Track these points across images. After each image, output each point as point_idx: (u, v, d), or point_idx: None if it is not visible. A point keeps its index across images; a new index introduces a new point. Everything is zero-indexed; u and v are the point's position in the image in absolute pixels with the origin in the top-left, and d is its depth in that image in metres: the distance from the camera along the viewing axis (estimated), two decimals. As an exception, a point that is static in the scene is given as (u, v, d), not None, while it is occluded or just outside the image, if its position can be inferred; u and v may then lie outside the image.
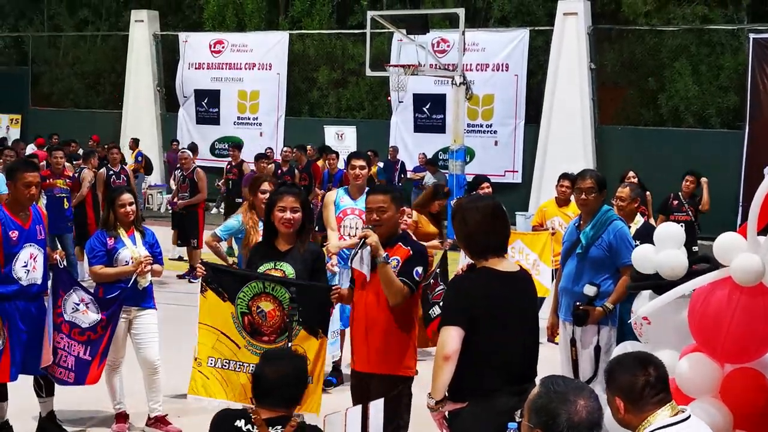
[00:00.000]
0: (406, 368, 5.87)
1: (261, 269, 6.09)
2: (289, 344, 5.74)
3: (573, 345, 6.98)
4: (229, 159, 17.21)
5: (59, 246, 12.26)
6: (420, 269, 5.77)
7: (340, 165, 18.62)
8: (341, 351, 8.81)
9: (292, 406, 4.30)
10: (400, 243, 5.87)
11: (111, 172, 14.90)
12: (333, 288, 5.97)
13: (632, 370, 3.84)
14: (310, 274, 6.10)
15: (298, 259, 6.09)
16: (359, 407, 4.00)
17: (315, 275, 6.15)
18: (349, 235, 8.16)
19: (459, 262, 6.90)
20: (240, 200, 16.01)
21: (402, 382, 5.83)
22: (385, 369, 5.81)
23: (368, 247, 5.71)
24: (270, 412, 4.23)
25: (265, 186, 7.94)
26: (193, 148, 22.47)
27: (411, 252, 5.83)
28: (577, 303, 6.89)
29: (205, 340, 6.08)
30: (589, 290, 6.83)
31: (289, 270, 6.06)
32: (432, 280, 9.18)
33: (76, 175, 14.52)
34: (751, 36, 20.14)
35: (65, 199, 13.23)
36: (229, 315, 6.01)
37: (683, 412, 3.81)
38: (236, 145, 17.56)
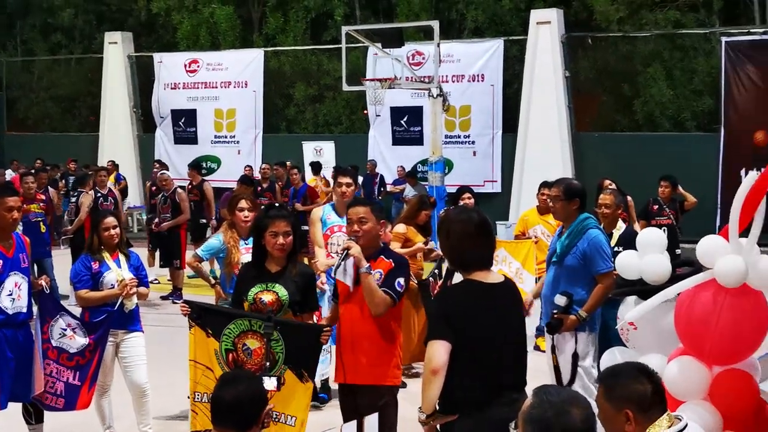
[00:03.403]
0: (392, 378, 5.99)
1: (253, 291, 6.09)
2: (276, 390, 5.67)
3: (553, 352, 7.03)
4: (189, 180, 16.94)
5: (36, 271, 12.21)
6: (402, 280, 5.90)
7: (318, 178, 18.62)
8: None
9: (246, 428, 4.23)
10: (382, 256, 5.99)
11: (99, 195, 14.84)
12: (324, 330, 5.94)
13: (637, 378, 3.77)
14: (302, 295, 6.13)
15: (290, 281, 6.11)
16: (354, 423, 4.01)
17: (306, 296, 6.17)
18: (336, 252, 8.11)
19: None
20: (203, 221, 15.92)
21: (388, 392, 5.93)
22: (372, 379, 5.91)
23: (351, 259, 5.84)
24: None
25: (243, 204, 7.94)
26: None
27: (393, 264, 5.96)
28: (553, 312, 6.94)
29: (193, 376, 6.08)
30: (560, 300, 6.88)
31: (281, 292, 6.08)
32: (431, 279, 9.35)
33: (74, 199, 14.45)
34: (723, 39, 20.31)
35: (41, 223, 13.13)
36: (212, 351, 5.98)
37: (679, 420, 3.79)
38: (194, 165, 17.31)
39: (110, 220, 7.42)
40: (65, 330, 7.02)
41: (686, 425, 3.75)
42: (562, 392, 3.44)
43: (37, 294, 7.10)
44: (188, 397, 6.18)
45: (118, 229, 7.41)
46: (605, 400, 3.78)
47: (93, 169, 16.71)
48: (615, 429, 3.76)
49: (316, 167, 19.90)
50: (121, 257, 7.45)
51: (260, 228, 6.21)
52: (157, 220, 15.07)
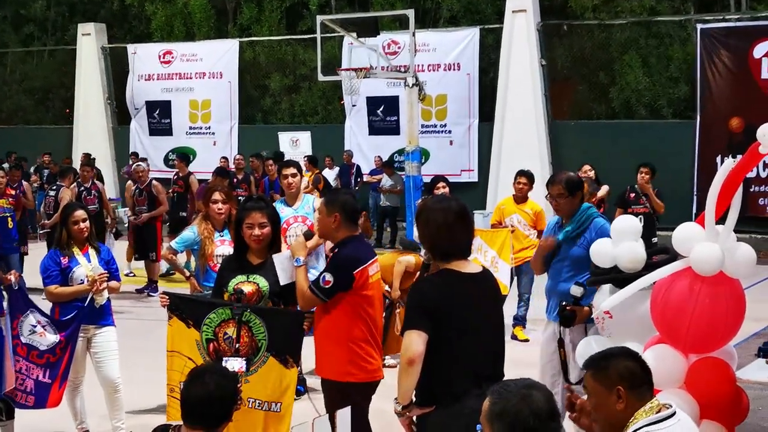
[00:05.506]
0: (347, 374, 5.81)
1: (233, 282, 6.10)
2: (244, 370, 5.70)
3: (561, 346, 6.73)
4: (176, 171, 16.86)
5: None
6: (327, 275, 5.73)
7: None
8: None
9: (216, 425, 4.18)
10: (337, 249, 5.89)
11: (82, 188, 14.72)
12: (305, 316, 5.89)
13: (626, 357, 3.88)
14: (283, 287, 6.09)
15: (271, 272, 6.10)
16: (325, 417, 3.96)
17: (287, 287, 6.11)
18: None
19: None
20: (184, 214, 15.80)
21: (347, 389, 5.74)
22: (326, 373, 5.88)
23: (288, 252, 6.03)
24: (192, 431, 4.16)
25: (216, 196, 7.89)
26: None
27: (330, 260, 5.94)
28: (564, 303, 6.74)
29: (175, 366, 6.02)
30: (576, 290, 6.62)
31: (262, 283, 6.09)
32: None
33: (52, 193, 14.30)
34: (699, 26, 20.32)
35: (9, 219, 12.86)
36: (194, 341, 5.95)
37: (666, 407, 3.80)
38: (182, 156, 17.23)
39: (79, 214, 7.32)
40: (35, 327, 6.92)
41: (674, 413, 3.75)
42: (517, 381, 3.46)
43: (7, 289, 6.99)
44: (168, 386, 6.08)
45: (87, 223, 7.31)
46: (596, 381, 3.85)
47: (81, 161, 16.49)
48: (607, 412, 3.81)
49: (281, 158, 19.74)
50: (91, 251, 7.35)
51: (238, 220, 6.26)
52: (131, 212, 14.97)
